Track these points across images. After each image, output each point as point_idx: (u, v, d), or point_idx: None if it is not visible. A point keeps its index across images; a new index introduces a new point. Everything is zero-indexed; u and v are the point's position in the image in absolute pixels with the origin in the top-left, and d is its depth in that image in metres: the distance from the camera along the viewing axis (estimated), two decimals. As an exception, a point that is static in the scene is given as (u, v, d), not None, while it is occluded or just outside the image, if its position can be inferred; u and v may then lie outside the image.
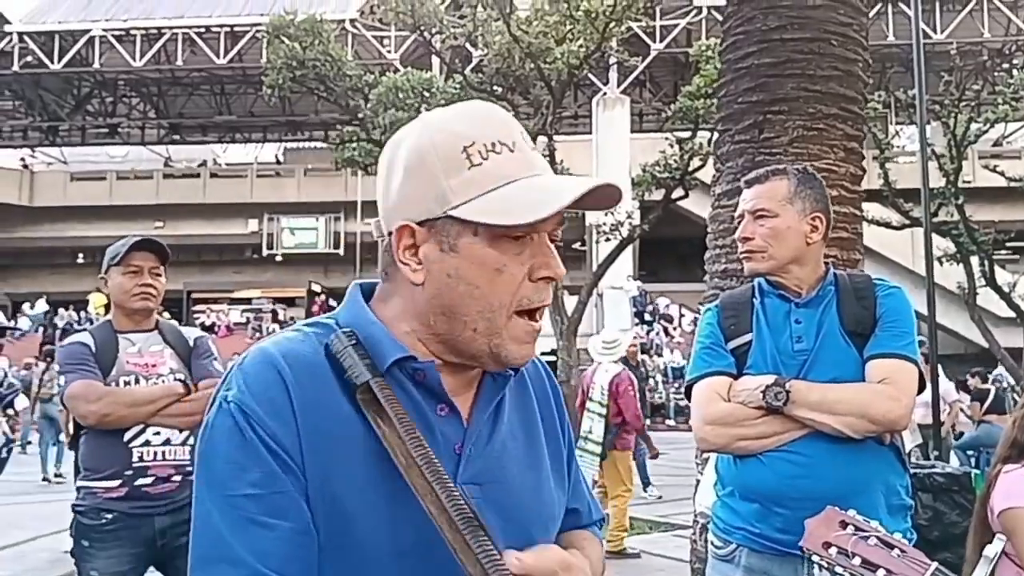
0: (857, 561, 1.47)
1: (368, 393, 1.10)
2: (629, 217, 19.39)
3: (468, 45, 22.06)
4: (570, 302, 19.26)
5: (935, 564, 1.44)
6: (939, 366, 9.42)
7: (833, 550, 1.50)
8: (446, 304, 1.14)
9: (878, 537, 1.49)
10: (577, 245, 28.47)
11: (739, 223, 2.48)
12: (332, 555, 1.09)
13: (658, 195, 19.37)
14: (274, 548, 1.05)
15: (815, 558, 1.53)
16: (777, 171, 2.48)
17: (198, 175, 36.76)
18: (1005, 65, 28.88)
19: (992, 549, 1.43)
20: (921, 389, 2.35)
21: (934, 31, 30.42)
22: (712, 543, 2.51)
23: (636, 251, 28.28)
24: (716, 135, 4.16)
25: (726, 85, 3.99)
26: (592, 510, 1.41)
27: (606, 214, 19.26)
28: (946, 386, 10.28)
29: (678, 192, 18.87)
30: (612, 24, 17.63)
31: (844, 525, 1.53)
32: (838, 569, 1.48)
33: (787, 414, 2.27)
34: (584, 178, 1.13)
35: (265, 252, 35.51)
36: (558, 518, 1.29)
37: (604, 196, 1.14)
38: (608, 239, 19.69)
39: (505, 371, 1.20)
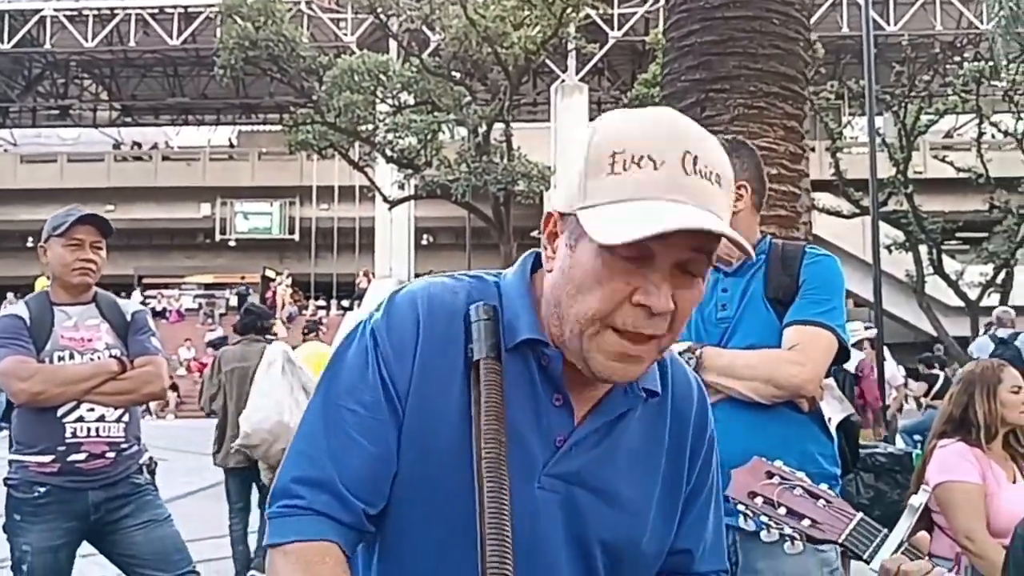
0: (783, 511, 1.47)
1: (478, 370, 1.13)
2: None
3: (425, 28, 21.93)
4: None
5: (860, 514, 1.45)
6: (886, 351, 9.64)
7: (759, 500, 1.49)
8: (556, 297, 1.14)
9: (804, 487, 1.49)
10: (536, 233, 28.49)
11: None
12: (397, 494, 1.16)
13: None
14: (353, 462, 1.13)
15: (740, 507, 1.52)
16: None
17: (150, 158, 36.13)
18: (956, 58, 29.41)
19: (917, 499, 1.44)
20: (843, 358, 2.37)
21: (887, 23, 30.83)
22: None
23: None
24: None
25: (670, 63, 4.02)
26: (710, 558, 1.35)
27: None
28: (892, 370, 10.48)
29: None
30: (569, 10, 17.66)
31: (770, 475, 1.53)
32: (763, 518, 1.48)
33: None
34: (703, 217, 1.05)
35: (218, 237, 35.04)
36: (646, 549, 1.25)
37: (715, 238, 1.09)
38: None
39: (636, 387, 1.20)
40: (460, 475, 1.12)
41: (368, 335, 1.18)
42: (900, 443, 9.80)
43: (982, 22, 28.68)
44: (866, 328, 10.29)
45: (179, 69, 38.51)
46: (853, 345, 8.83)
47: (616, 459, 1.21)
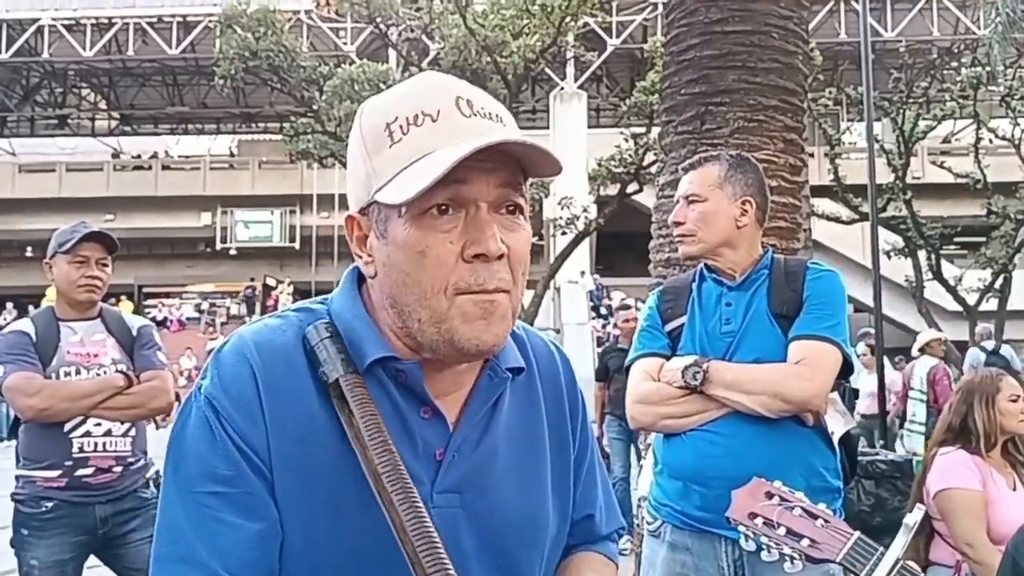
0: (782, 531, 1.49)
1: (340, 390, 1.04)
2: (585, 211, 19.51)
3: (424, 38, 21.99)
4: (527, 296, 19.35)
5: (857, 533, 1.47)
6: (885, 357, 9.70)
7: (759, 520, 1.51)
8: (389, 295, 1.07)
9: (803, 507, 1.51)
10: (535, 240, 28.49)
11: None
12: (294, 555, 1.05)
13: (613, 190, 19.51)
14: (236, 549, 1.01)
15: (741, 528, 1.54)
16: (711, 157, 2.53)
17: (150, 167, 36.07)
18: (954, 63, 29.47)
19: (912, 518, 1.46)
20: (847, 372, 2.39)
21: (885, 29, 30.90)
22: (645, 519, 2.56)
23: (593, 246, 28.38)
24: (660, 126, 4.22)
25: (669, 77, 4.05)
26: (608, 519, 1.34)
27: (563, 208, 19.38)
28: (892, 376, 10.48)
29: (633, 187, 19.03)
30: (568, 18, 17.71)
31: (770, 496, 1.55)
32: (763, 539, 1.50)
33: (706, 393, 2.32)
34: (480, 139, 1.01)
35: (219, 246, 35.04)
36: (554, 530, 1.22)
37: (538, 160, 1.04)
38: (564, 233, 19.78)
39: (499, 369, 1.13)
40: (360, 507, 1.04)
41: (204, 405, 1.05)
42: (900, 450, 9.81)
43: (979, 28, 28.75)
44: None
45: (178, 78, 38.53)
46: (921, 350, 9.35)
47: (501, 451, 1.15)
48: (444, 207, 1.01)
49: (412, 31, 20.58)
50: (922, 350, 9.27)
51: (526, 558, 1.17)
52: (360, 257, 1.10)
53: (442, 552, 0.97)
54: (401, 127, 1.03)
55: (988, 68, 18.66)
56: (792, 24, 3.93)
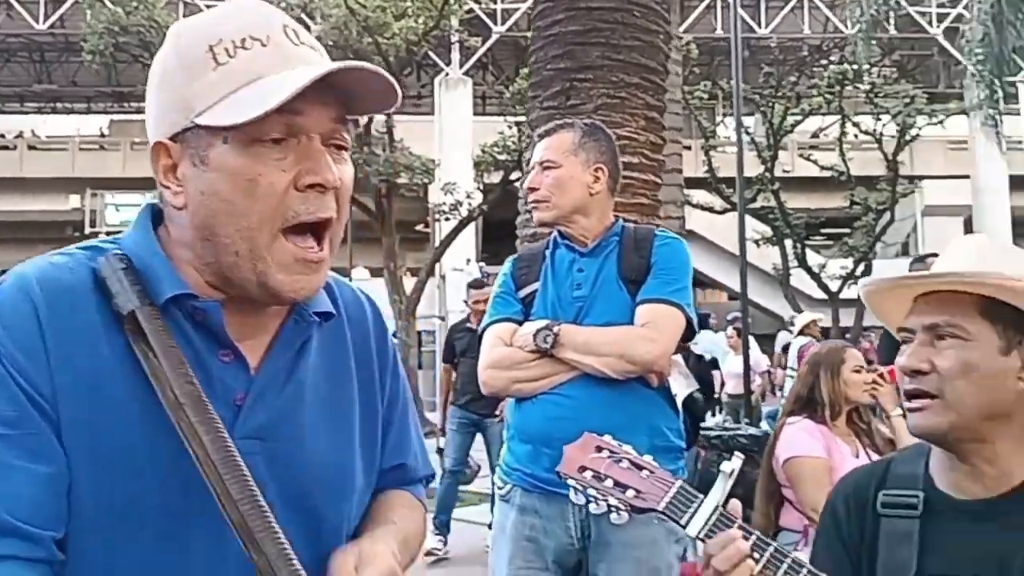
0: (609, 483, 1.50)
1: (135, 323, 1.00)
2: (469, 197, 19.54)
3: (305, 17, 21.54)
4: (410, 283, 19.27)
5: (679, 482, 1.49)
6: (753, 340, 10.11)
7: (588, 473, 1.52)
8: (204, 225, 1.02)
9: (629, 459, 1.53)
10: (420, 227, 28.33)
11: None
12: (83, 500, 0.99)
13: (497, 177, 19.58)
14: (23, 492, 0.95)
15: (570, 482, 1.55)
16: (565, 124, 2.55)
17: (15, 147, 34.34)
18: (823, 61, 30.67)
19: (728, 466, 1.49)
20: (690, 335, 2.45)
21: (759, 26, 31.92)
22: (497, 484, 2.57)
23: (479, 233, 28.42)
24: (527, 103, 4.24)
25: (536, 52, 4.08)
26: (421, 465, 1.33)
27: (446, 193, 19.34)
28: (757, 357, 10.93)
29: (516, 174, 19.14)
30: (451, 1, 17.63)
31: (600, 449, 1.56)
32: (591, 491, 1.51)
33: (556, 356, 2.35)
34: (326, 64, 1.00)
35: (88, 230, 33.53)
36: (361, 480, 1.19)
37: (371, 90, 1.02)
38: (448, 219, 19.76)
39: (306, 313, 1.10)
40: (158, 444, 0.99)
41: None
42: (765, 427, 10.23)
43: (847, 26, 30.04)
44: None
45: (46, 55, 36.70)
46: (801, 331, 9.96)
47: (306, 398, 1.12)
48: (277, 136, 0.99)
49: (292, 10, 20.09)
50: (801, 331, 9.83)
51: (331, 507, 1.15)
52: (167, 188, 1.04)
53: (247, 477, 0.95)
54: (227, 50, 1.00)
55: (854, 66, 19.45)
56: (653, 3, 4.00)
